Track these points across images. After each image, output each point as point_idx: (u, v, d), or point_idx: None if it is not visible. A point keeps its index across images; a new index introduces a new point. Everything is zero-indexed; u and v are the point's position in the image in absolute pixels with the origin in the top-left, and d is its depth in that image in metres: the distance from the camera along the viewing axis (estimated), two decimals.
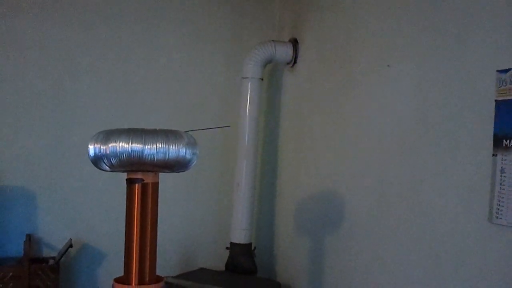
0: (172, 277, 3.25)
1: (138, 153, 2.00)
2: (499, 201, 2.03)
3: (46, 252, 3.51)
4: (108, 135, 2.03)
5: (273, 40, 3.79)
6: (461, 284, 2.21)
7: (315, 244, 3.42)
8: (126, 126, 2.11)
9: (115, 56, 3.71)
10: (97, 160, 2.08)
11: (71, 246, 3.33)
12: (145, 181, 2.14)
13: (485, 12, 2.15)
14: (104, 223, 3.65)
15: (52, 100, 3.54)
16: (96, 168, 2.19)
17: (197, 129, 2.29)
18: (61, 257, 3.30)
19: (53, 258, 3.37)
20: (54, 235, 3.53)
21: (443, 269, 2.31)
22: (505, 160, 2.01)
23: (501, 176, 2.02)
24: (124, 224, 2.22)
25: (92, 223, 3.64)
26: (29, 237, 3.32)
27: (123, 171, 2.15)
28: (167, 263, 3.72)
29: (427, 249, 2.41)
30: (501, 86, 2.04)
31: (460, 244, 2.22)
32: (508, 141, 2.00)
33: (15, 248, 3.39)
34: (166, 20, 3.86)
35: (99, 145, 2.04)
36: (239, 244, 3.68)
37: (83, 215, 3.62)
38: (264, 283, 3.42)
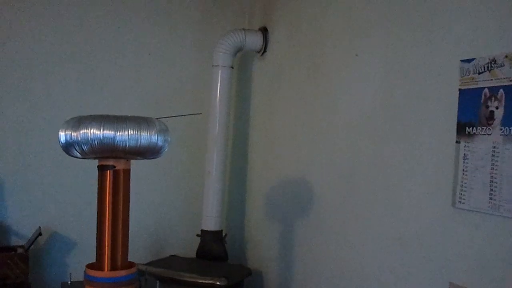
0: (142, 264, 3.27)
1: (110, 140, 2.01)
2: (461, 186, 2.10)
3: (14, 241, 3.47)
4: (80, 122, 2.03)
5: (243, 29, 3.81)
6: (424, 267, 2.29)
7: (285, 230, 3.48)
8: (96, 113, 2.11)
9: (85, 42, 3.67)
10: (68, 147, 2.07)
11: (40, 234, 3.30)
12: (116, 168, 2.15)
13: (450, 3, 2.21)
14: (73, 211, 3.63)
15: (20, 86, 3.49)
16: (65, 155, 2.19)
17: (169, 116, 2.30)
18: (30, 245, 3.27)
19: (22, 246, 3.34)
20: (22, 224, 3.49)
21: (408, 252, 2.38)
22: (467, 147, 2.08)
23: (463, 162, 2.10)
24: (94, 212, 2.23)
25: (61, 211, 3.61)
26: None
27: (95, 158, 2.16)
28: (137, 250, 3.72)
29: (393, 233, 2.48)
30: (464, 76, 2.10)
31: (424, 228, 2.30)
32: (470, 128, 2.07)
33: None
34: (136, 6, 3.83)
35: (70, 132, 2.03)
36: (210, 231, 3.71)
37: (52, 203, 3.59)
38: (235, 269, 3.46)
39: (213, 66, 3.74)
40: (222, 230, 3.78)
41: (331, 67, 3.06)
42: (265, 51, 3.83)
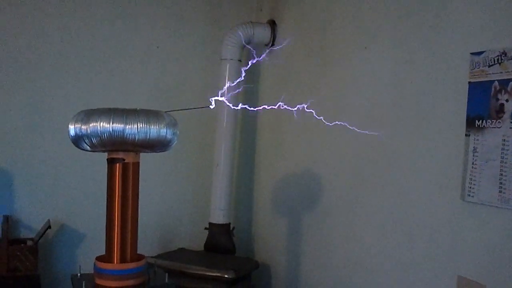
0: (151, 257, 3.28)
1: (119, 133, 2.01)
2: (471, 179, 2.10)
3: (24, 234, 3.49)
4: (89, 115, 2.03)
5: (251, 22, 3.80)
6: (433, 260, 2.29)
7: (292, 223, 3.48)
8: (105, 107, 2.11)
9: (94, 36, 3.67)
10: (78, 140, 2.08)
11: (49, 227, 3.32)
12: (126, 161, 2.16)
13: None
14: (82, 203, 3.65)
15: (29, 80, 3.50)
16: (74, 148, 2.19)
17: (178, 109, 2.30)
18: (40, 238, 3.29)
19: (32, 239, 3.37)
20: (32, 217, 3.51)
21: (416, 245, 2.38)
22: (477, 140, 2.07)
23: (473, 155, 2.09)
24: (103, 204, 2.24)
25: (70, 204, 3.63)
26: (6, 219, 3.31)
27: (104, 151, 2.16)
28: (146, 243, 3.73)
29: (401, 227, 2.48)
30: (474, 69, 2.09)
31: (433, 221, 2.30)
32: (480, 121, 2.06)
33: None
34: (144, 0, 3.83)
35: (80, 125, 2.04)
36: (218, 224, 3.72)
37: (61, 196, 3.61)
38: (242, 262, 3.47)
39: (221, 59, 3.74)
40: (230, 223, 3.79)
41: (339, 61, 3.05)
42: (273, 44, 3.82)
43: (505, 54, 1.96)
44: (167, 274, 2.34)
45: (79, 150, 2.20)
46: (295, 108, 3.51)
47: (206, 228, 3.76)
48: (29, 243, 3.30)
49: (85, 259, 3.17)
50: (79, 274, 2.28)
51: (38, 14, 3.51)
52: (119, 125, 2.01)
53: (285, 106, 2.44)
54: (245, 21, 3.82)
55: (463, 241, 2.14)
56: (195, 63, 4.03)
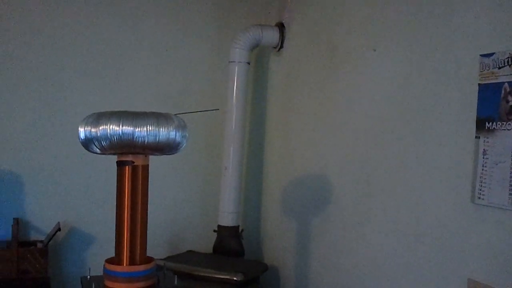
0: (160, 259, 3.28)
1: (129, 136, 2.02)
2: (481, 182, 2.09)
3: (34, 236, 3.52)
4: (99, 118, 2.05)
5: (259, 24, 3.80)
6: (443, 263, 2.27)
7: (301, 226, 3.48)
8: (113, 110, 2.12)
9: (101, 40, 3.70)
10: (87, 143, 2.10)
11: (59, 229, 3.34)
12: (135, 164, 2.17)
13: None
14: (92, 206, 3.66)
15: (39, 83, 3.53)
16: (84, 151, 2.21)
17: (187, 112, 2.31)
18: (49, 240, 3.31)
19: (42, 241, 3.38)
20: (42, 219, 3.54)
21: (426, 248, 2.37)
22: (487, 142, 2.06)
23: (483, 157, 2.08)
24: (112, 207, 2.25)
25: (80, 206, 3.65)
26: (17, 221, 3.33)
27: (114, 154, 2.18)
28: (155, 245, 3.73)
29: (411, 229, 2.47)
30: (484, 70, 2.08)
31: (443, 224, 2.28)
32: (490, 123, 2.05)
33: (3, 232, 3.40)
34: (152, 3, 3.85)
35: (89, 128, 2.06)
36: (227, 226, 3.72)
37: (71, 198, 3.63)
38: (251, 265, 3.47)
39: (229, 62, 3.75)
40: (239, 226, 3.79)
41: (348, 63, 3.04)
42: (281, 46, 3.83)
43: None
44: (176, 276, 2.35)
45: (89, 152, 2.21)
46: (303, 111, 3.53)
47: (215, 231, 3.77)
48: (39, 245, 3.33)
49: (95, 261, 3.17)
50: (88, 276, 2.29)
51: (46, 18, 3.53)
52: (129, 127, 2.02)
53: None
54: (253, 24, 3.83)
55: (474, 243, 2.12)
56: (203, 66, 4.05)
